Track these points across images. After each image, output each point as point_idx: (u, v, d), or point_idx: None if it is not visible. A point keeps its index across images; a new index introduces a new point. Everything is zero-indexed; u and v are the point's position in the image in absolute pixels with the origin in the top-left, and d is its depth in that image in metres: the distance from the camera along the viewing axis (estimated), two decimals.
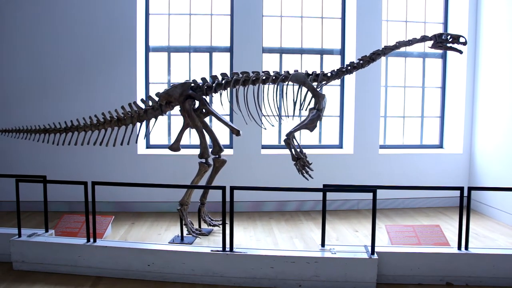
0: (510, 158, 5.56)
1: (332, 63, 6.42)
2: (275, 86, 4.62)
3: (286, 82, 4.55)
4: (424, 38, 4.42)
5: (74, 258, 3.74)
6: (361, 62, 4.50)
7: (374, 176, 6.20)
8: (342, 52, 6.42)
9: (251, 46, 5.93)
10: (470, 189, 3.71)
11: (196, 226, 4.97)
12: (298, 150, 4.35)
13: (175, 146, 4.72)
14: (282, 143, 5.50)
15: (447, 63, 6.65)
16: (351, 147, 6.24)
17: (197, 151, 4.93)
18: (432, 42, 4.41)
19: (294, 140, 4.37)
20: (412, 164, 6.33)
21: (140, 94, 5.98)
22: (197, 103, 4.71)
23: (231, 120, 5.92)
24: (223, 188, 3.63)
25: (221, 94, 4.70)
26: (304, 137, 6.45)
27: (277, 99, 4.77)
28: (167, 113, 4.87)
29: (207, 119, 4.85)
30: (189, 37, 6.25)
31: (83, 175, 5.53)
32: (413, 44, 4.47)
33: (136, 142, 4.88)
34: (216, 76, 4.69)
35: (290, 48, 6.38)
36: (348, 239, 4.86)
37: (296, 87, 4.55)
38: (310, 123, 4.34)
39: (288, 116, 4.62)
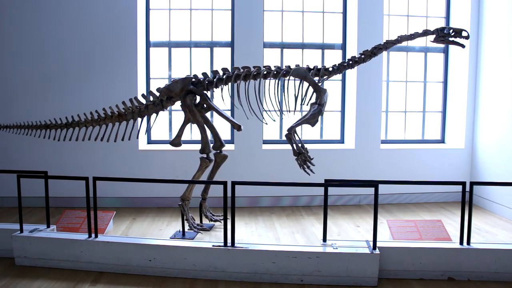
0: (511, 152, 5.55)
1: (333, 58, 6.40)
2: (276, 81, 4.60)
3: (287, 77, 4.53)
4: (426, 32, 4.39)
5: (75, 253, 3.75)
6: (363, 56, 4.48)
7: (375, 171, 6.19)
8: (343, 47, 6.39)
9: (252, 41, 5.91)
10: (472, 184, 3.71)
11: (197, 221, 4.98)
12: (300, 145, 4.34)
13: (176, 141, 4.72)
14: (284, 138, 5.49)
15: (449, 58, 6.62)
16: (353, 142, 6.23)
17: (198, 146, 4.93)
18: (434, 36, 4.38)
19: (295, 135, 4.36)
20: (413, 159, 6.32)
21: (141, 89, 5.96)
22: (198, 98, 4.69)
23: (232, 115, 5.91)
24: (224, 183, 3.63)
25: (222, 89, 4.68)
26: (306, 132, 6.43)
27: (278, 94, 4.76)
28: (168, 108, 4.85)
29: (208, 114, 4.84)
30: (190, 32, 6.23)
31: (84, 171, 5.52)
32: (415, 38, 4.44)
33: (137, 138, 4.87)
34: (217, 71, 4.68)
35: (291, 43, 6.35)
36: (350, 234, 4.86)
37: (298, 81, 4.54)
38: (312, 118, 4.32)
39: (289, 111, 4.60)
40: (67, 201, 5.85)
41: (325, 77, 4.55)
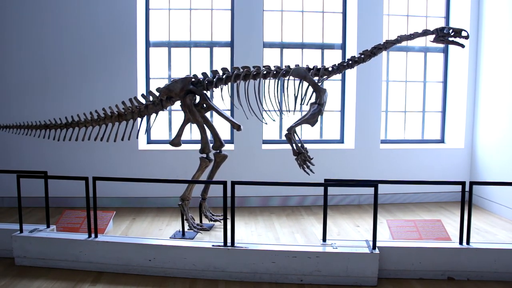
0: (511, 152, 5.54)
1: (333, 58, 6.40)
2: (276, 80, 4.60)
3: (287, 77, 4.53)
4: (425, 32, 4.39)
5: (75, 253, 3.75)
6: (362, 56, 4.48)
7: (375, 171, 6.19)
8: (343, 47, 6.39)
9: (252, 40, 5.91)
10: (471, 183, 3.71)
11: (197, 221, 4.98)
12: (299, 144, 4.34)
13: (176, 141, 4.71)
14: (283, 137, 5.50)
15: (449, 58, 6.62)
16: (352, 142, 6.23)
17: (198, 146, 4.93)
18: (434, 36, 4.39)
19: (295, 134, 4.36)
20: (413, 159, 6.32)
21: (141, 89, 5.96)
22: (198, 98, 4.70)
23: (232, 115, 5.91)
24: (224, 183, 3.63)
25: (222, 89, 4.69)
26: (305, 132, 6.44)
27: (278, 93, 4.76)
28: (167, 108, 4.85)
29: (208, 114, 4.84)
30: (189, 32, 6.23)
31: (84, 171, 5.52)
32: (415, 38, 4.44)
33: (137, 138, 4.87)
34: (216, 71, 4.68)
35: (291, 43, 6.35)
36: (350, 234, 4.86)
37: (297, 81, 4.54)
38: (311, 118, 4.32)
39: (289, 110, 4.61)
40: (67, 201, 5.85)
41: (324, 77, 4.55)
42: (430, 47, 6.58)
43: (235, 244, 3.62)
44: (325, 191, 3.70)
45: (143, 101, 5.03)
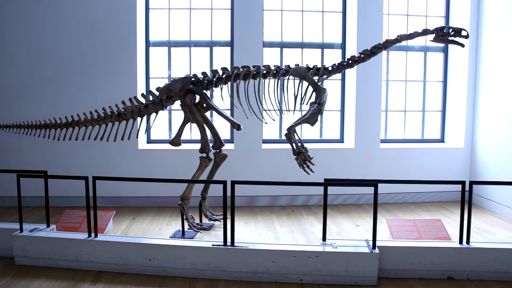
0: (511, 152, 5.54)
1: (333, 57, 6.40)
2: (276, 80, 4.60)
3: (287, 76, 4.53)
4: (425, 32, 4.39)
5: (75, 253, 3.75)
6: (362, 56, 4.48)
7: (375, 171, 6.19)
8: (343, 46, 6.39)
9: (251, 40, 5.91)
10: (471, 183, 3.71)
11: (197, 220, 4.98)
12: (299, 144, 4.35)
13: (176, 140, 4.72)
14: (283, 137, 5.50)
15: (449, 57, 6.62)
16: (352, 141, 6.23)
17: (198, 146, 4.93)
18: (433, 35, 4.39)
19: (295, 134, 4.36)
20: (413, 159, 6.32)
21: (141, 89, 5.96)
22: (197, 98, 4.69)
23: (232, 114, 5.91)
24: (224, 183, 3.63)
25: (221, 89, 4.69)
26: (305, 132, 6.43)
27: (278, 93, 4.76)
28: (167, 107, 4.86)
29: (207, 114, 4.84)
30: (189, 32, 6.23)
31: (84, 170, 5.52)
32: (415, 38, 4.44)
33: (137, 137, 4.87)
34: (216, 70, 4.68)
35: (291, 42, 6.35)
36: (349, 234, 4.86)
37: (297, 81, 4.54)
38: (311, 117, 4.32)
39: (289, 110, 4.61)
40: (67, 200, 5.85)
41: (324, 77, 4.55)
42: (430, 47, 6.58)
43: (235, 244, 3.62)
44: (325, 190, 3.70)
45: (143, 100, 5.04)
